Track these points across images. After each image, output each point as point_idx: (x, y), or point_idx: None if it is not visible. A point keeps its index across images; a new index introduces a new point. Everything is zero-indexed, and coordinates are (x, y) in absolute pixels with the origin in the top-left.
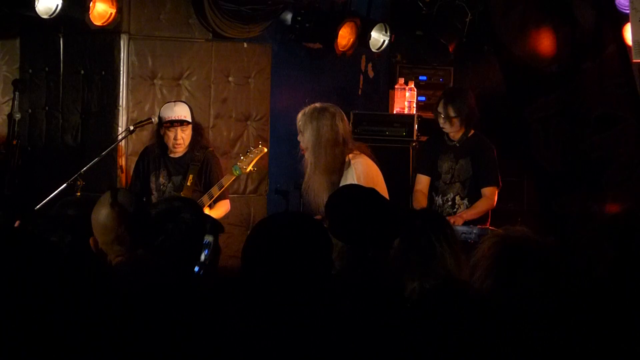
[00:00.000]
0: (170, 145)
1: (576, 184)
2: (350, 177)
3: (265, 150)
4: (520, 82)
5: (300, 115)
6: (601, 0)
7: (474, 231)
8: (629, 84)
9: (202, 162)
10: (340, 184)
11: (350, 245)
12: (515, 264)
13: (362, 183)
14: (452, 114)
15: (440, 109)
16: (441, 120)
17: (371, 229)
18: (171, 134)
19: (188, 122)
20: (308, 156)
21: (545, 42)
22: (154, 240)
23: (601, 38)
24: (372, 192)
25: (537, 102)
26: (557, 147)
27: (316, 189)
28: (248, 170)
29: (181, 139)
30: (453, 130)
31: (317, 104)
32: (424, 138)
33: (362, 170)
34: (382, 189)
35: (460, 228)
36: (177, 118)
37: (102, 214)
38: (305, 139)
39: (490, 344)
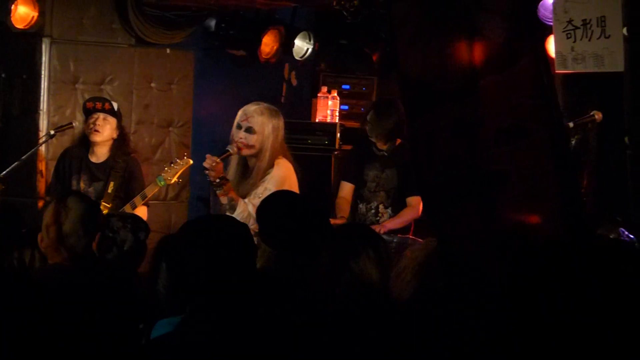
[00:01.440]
0: (88, 131)
1: (461, 198)
2: (270, 178)
3: (191, 162)
4: (412, 99)
5: (254, 113)
6: (518, 12)
7: (395, 240)
8: (544, 95)
9: (125, 169)
10: (263, 185)
11: (279, 251)
12: (436, 273)
13: (272, 185)
14: (382, 125)
15: (370, 120)
16: (372, 134)
17: (300, 235)
18: (91, 119)
19: (112, 110)
20: (253, 153)
21: (439, 58)
22: (107, 252)
23: (512, 51)
24: (304, 198)
25: (423, 118)
26: (441, 162)
27: (249, 188)
28: (173, 181)
29: (100, 126)
30: (382, 141)
31: (265, 104)
32: (346, 147)
33: (281, 175)
34: None
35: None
36: (100, 97)
37: (49, 214)
38: (263, 137)
39: (403, 348)
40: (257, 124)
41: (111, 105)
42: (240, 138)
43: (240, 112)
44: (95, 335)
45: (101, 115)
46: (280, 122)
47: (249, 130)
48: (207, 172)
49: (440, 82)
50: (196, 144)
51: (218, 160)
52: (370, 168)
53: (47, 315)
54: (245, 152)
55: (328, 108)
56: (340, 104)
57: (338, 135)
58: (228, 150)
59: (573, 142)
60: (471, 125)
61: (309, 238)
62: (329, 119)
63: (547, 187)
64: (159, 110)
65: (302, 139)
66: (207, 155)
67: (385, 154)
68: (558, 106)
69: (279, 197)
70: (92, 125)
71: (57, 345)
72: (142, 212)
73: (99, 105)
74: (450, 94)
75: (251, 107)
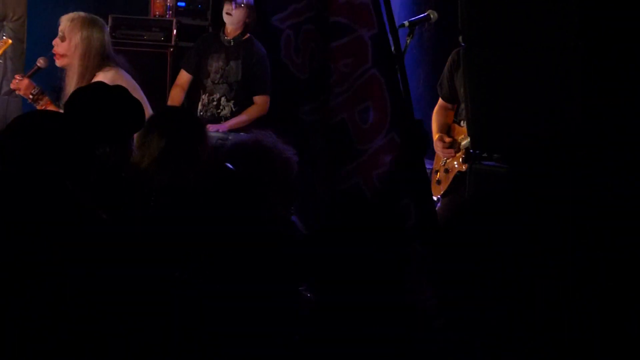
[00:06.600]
0: None
1: (320, 92)
2: None
3: (10, 42)
4: None
5: (66, 20)
6: None
7: (229, 137)
8: None
9: None
10: None
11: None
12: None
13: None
14: (237, 15)
15: (227, 10)
16: (229, 7)
17: (110, 125)
18: None
19: None
20: (67, 63)
21: None
22: None
23: None
24: (117, 89)
25: (288, 9)
26: (306, 54)
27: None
28: None
29: None
30: (235, 21)
31: (84, 13)
32: (184, 43)
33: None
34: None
35: (217, 134)
36: None
37: None
38: (71, 46)
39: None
40: (65, 30)
41: None
42: (54, 45)
43: None
44: None
45: None
46: (94, 34)
47: (60, 36)
48: (17, 92)
49: None
50: (31, 39)
51: (20, 77)
52: (215, 59)
53: None
54: (59, 62)
55: (165, 4)
56: (177, 0)
57: (175, 31)
58: (36, 65)
59: (408, 40)
60: (322, 18)
61: (120, 129)
62: (166, 16)
63: (366, 86)
64: None
65: (138, 35)
66: (16, 76)
67: (232, 43)
68: (389, 5)
69: (91, 89)
70: None
71: None
72: None
73: None
74: None
75: (66, 15)
